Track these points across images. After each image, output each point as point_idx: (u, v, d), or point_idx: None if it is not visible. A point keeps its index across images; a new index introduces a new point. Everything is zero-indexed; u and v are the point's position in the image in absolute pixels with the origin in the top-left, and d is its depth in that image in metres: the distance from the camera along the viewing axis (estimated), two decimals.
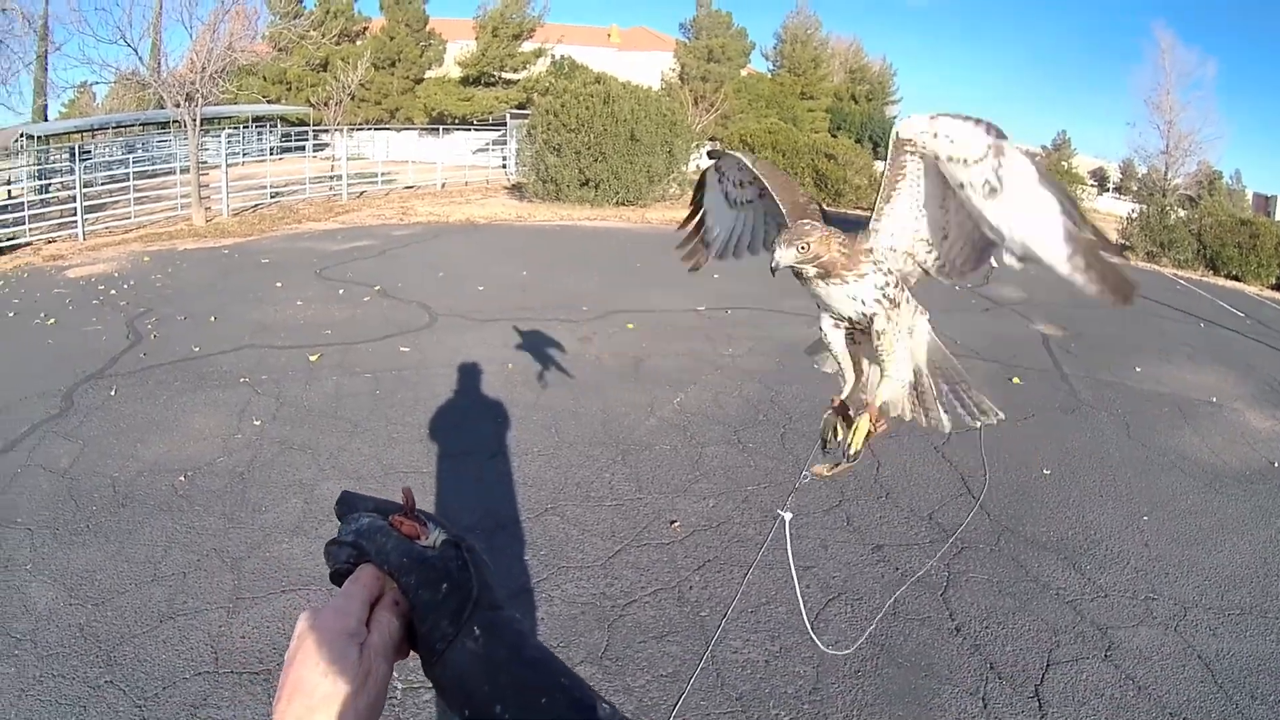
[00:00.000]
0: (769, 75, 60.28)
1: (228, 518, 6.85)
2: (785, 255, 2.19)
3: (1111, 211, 40.97)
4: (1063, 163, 53.07)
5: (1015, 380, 11.91)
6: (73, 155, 24.06)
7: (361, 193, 26.93)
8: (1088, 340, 14.67)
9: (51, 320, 11.74)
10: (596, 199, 28.83)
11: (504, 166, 35.07)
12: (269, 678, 5.16)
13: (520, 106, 44.08)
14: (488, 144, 42.51)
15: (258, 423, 8.63)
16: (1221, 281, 26.15)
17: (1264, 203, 51.38)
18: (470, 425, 9.42)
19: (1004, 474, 8.40)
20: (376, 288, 14.78)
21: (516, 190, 30.60)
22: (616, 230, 24.65)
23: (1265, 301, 22.89)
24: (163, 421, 8.42)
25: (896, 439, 9.10)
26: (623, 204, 29.19)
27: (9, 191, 18.68)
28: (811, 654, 5.67)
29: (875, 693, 5.31)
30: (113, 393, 9.01)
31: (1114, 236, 31.60)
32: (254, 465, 7.75)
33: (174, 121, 23.68)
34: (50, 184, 20.46)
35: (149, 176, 22.74)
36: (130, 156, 24.61)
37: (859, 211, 35.55)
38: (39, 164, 22.66)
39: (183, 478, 7.34)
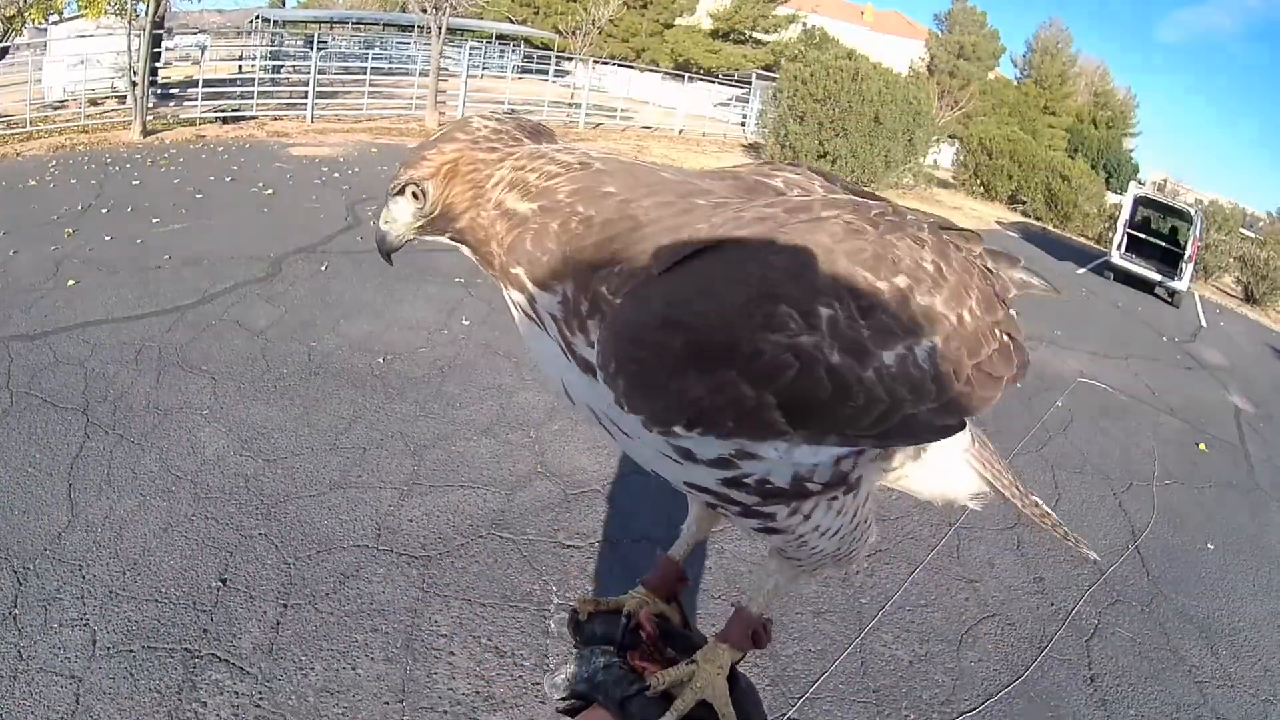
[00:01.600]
0: (1014, 83, 59.65)
1: (420, 406, 6.80)
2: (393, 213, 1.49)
3: None
4: None
5: (1201, 447, 11.40)
6: (309, 42, 24.59)
7: (598, 124, 26.95)
8: (1278, 423, 14.00)
9: (270, 191, 11.97)
10: (831, 172, 28.20)
11: (743, 124, 34.94)
12: (427, 564, 5.09)
13: (766, 68, 44.26)
14: (730, 99, 42.44)
15: (466, 322, 8.60)
16: None
17: None
18: None
19: (1171, 537, 8.05)
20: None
21: (753, 150, 30.43)
22: None
23: None
24: (371, 304, 8.44)
25: (1080, 474, 8.88)
26: (856, 183, 28.45)
27: (240, 67, 19.08)
28: (954, 665, 5.57)
29: (1002, 717, 5.18)
30: (323, 268, 9.08)
31: None
32: (456, 362, 7.70)
33: (417, 26, 24.08)
34: (282, 65, 20.83)
35: (384, 74, 23.02)
36: (369, 52, 25.00)
37: (1083, 239, 34.98)
38: (274, 46, 23.18)
39: (382, 360, 7.33)
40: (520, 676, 4.45)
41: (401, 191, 1.47)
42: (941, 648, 5.60)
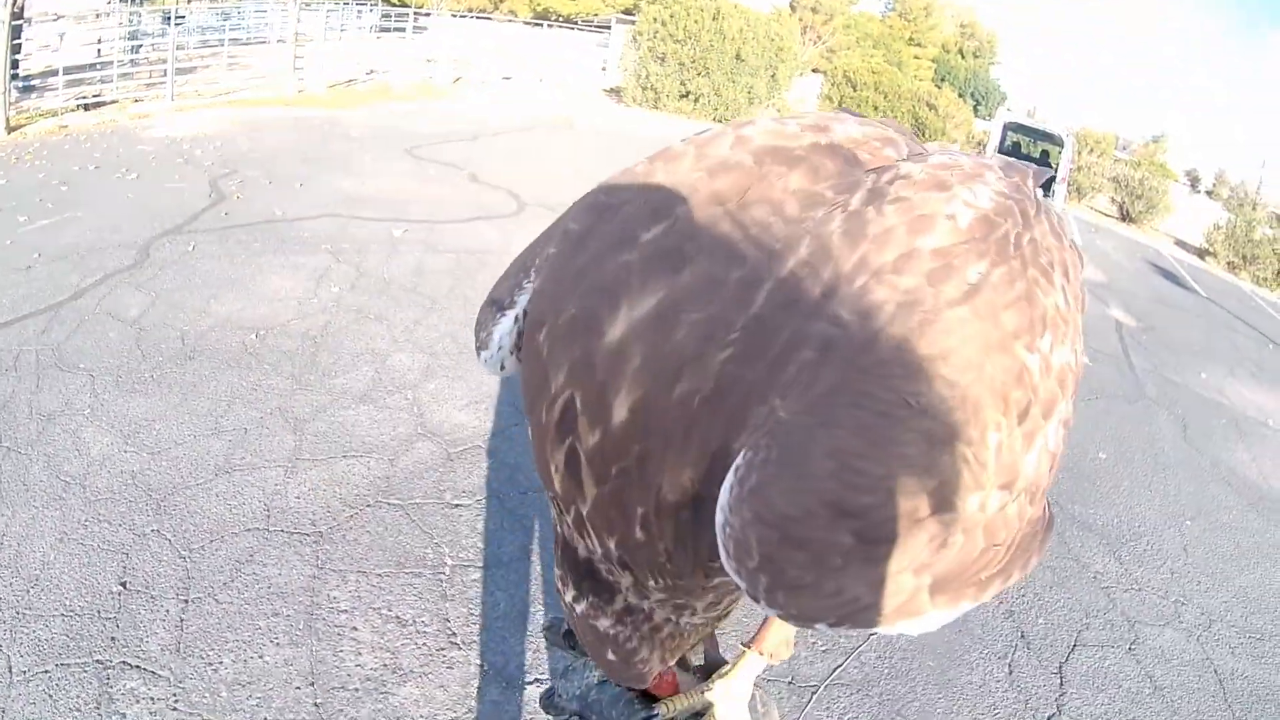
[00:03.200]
0: (879, 17, 59.88)
1: (295, 379, 6.83)
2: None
3: (1200, 214, 40.51)
4: (1158, 156, 52.84)
5: (1085, 361, 11.69)
6: (166, 18, 24.14)
7: (458, 79, 26.74)
8: (1159, 336, 14.66)
9: (134, 175, 11.67)
10: (695, 111, 28.57)
11: (604, 69, 34.93)
12: (319, 540, 5.14)
13: (627, 12, 43.60)
14: (590, 45, 42.32)
15: (335, 289, 8.59)
16: None
17: None
18: None
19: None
20: (466, 171, 14.64)
21: (615, 94, 30.41)
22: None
23: None
24: (239, 280, 8.38)
25: None
26: (720, 120, 28.24)
27: (99, 51, 18.75)
28: None
29: (908, 639, 5.33)
30: (191, 248, 8.96)
31: (1199, 240, 31.49)
32: (328, 330, 7.71)
33: None
34: (140, 45, 20.46)
35: (243, 44, 22.76)
36: (225, 24, 24.75)
37: None
38: (131, 25, 22.76)
39: (254, 336, 7.31)
40: (425, 644, 4.54)
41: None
42: None
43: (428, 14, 36.81)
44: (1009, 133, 27.84)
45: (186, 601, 4.48)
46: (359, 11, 39.88)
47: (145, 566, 4.66)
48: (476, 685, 4.41)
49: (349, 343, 7.56)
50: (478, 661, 4.54)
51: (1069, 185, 26.51)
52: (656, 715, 1.44)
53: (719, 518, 1.01)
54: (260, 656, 4.25)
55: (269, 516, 5.25)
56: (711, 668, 1.56)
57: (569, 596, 1.35)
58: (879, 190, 1.17)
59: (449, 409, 6.85)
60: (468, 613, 4.84)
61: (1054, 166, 25.27)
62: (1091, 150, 38.16)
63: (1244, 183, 52.62)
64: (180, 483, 5.39)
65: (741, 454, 1.00)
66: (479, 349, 1.45)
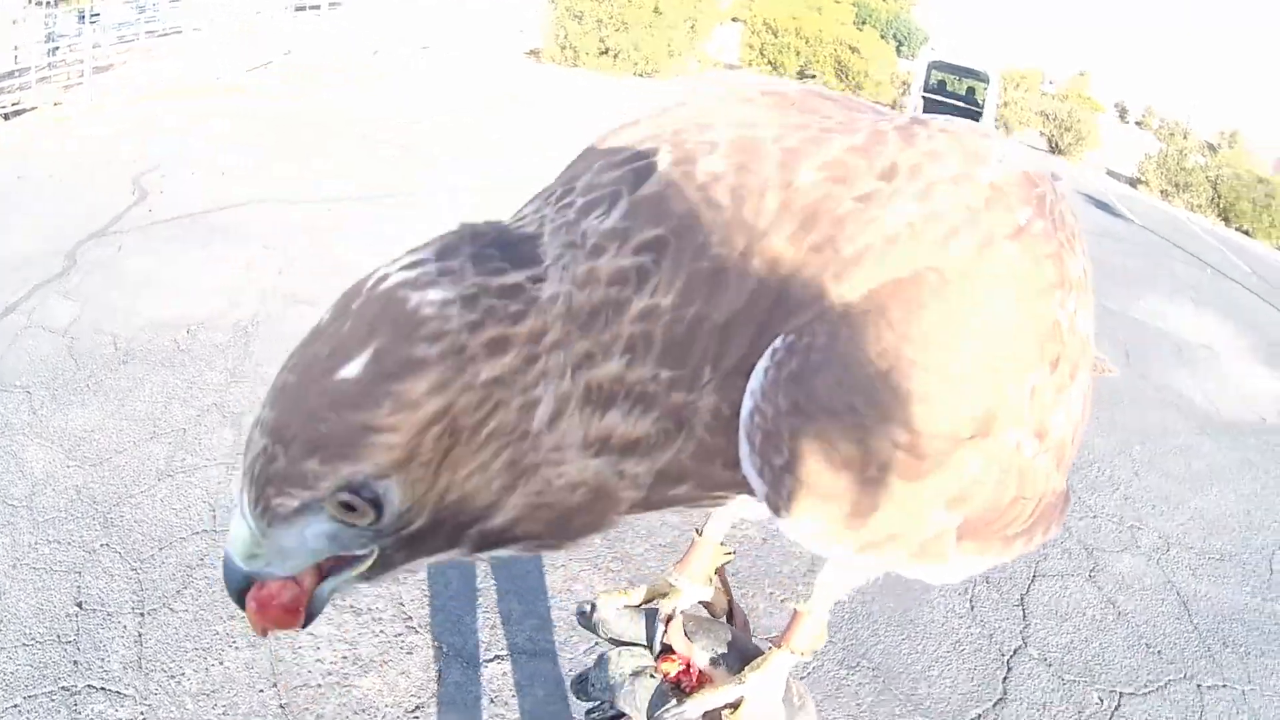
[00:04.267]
0: None
1: (230, 372, 6.82)
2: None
3: (1131, 144, 41.10)
4: (1084, 90, 53.33)
5: None
6: (81, 17, 23.78)
7: (375, 52, 26.27)
8: (1095, 265, 14.47)
9: (57, 181, 11.41)
10: (614, 68, 28.34)
11: (522, 31, 34.74)
12: None
13: None
14: (509, 7, 41.91)
15: (266, 278, 8.55)
16: (1232, 234, 26.39)
17: None
18: None
19: None
20: (396, 145, 14.49)
21: (533, 55, 30.18)
22: (635, 100, 23.83)
23: (1275, 263, 23.01)
24: (168, 277, 8.30)
25: None
26: (640, 75, 28.67)
27: (15, 58, 18.47)
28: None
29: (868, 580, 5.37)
30: (117, 249, 8.86)
31: (1130, 169, 32.01)
32: (259, 320, 7.69)
33: None
34: (58, 47, 20.19)
35: (161, 36, 22.50)
36: (141, 17, 24.54)
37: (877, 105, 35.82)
38: (48, 28, 22.44)
39: (185, 333, 7.27)
40: (382, 632, 4.61)
41: (300, 509, 0.95)
42: None
43: None
44: (934, 71, 28.31)
45: (143, 615, 4.50)
46: None
47: (99, 584, 4.67)
48: (437, 669, 4.48)
49: (281, 329, 7.53)
50: (436, 644, 4.61)
51: (996, 121, 26.83)
52: (687, 708, 1.39)
53: (747, 403, 0.94)
54: (221, 663, 4.29)
55: (214, 516, 5.27)
56: (746, 659, 1.47)
57: (430, 252, 1.04)
58: (922, 120, 1.17)
59: None
60: (422, 596, 4.91)
61: (980, 103, 25.67)
62: (1018, 86, 38.72)
63: (1174, 115, 53.46)
64: (125, 492, 5.39)
65: (782, 336, 0.94)
66: None
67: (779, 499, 0.93)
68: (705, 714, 1.39)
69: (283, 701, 4.15)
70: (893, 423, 0.91)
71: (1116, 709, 5.24)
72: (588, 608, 1.55)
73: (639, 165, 1.04)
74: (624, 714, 1.45)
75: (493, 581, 5.10)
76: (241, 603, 1.07)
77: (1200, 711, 5.35)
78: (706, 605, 1.66)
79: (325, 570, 1.06)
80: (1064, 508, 1.29)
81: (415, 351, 0.90)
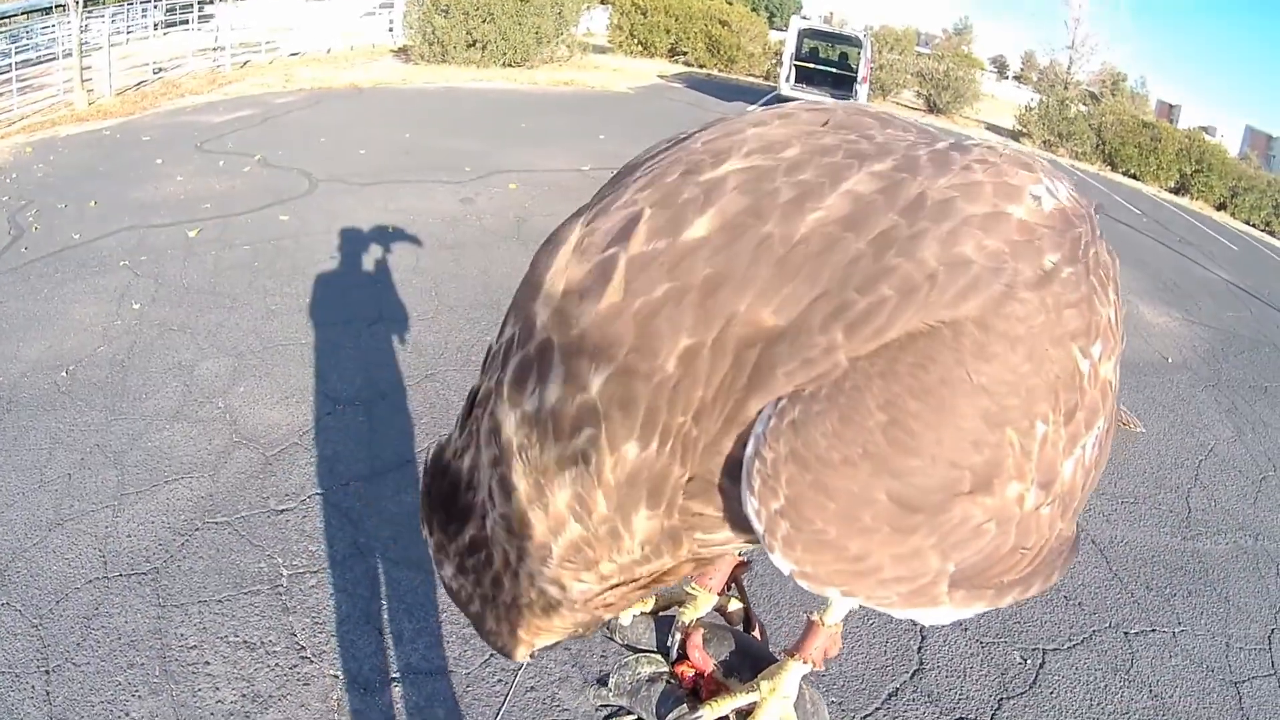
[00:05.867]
0: None
1: (110, 410, 6.84)
2: None
3: (1011, 99, 41.56)
4: (962, 48, 53.54)
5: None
6: None
7: (245, 62, 25.79)
8: None
9: None
10: (483, 60, 28.25)
11: (391, 30, 34.32)
12: (157, 577, 5.24)
13: None
14: (375, 8, 41.30)
15: (137, 306, 8.56)
16: (1118, 178, 26.99)
17: (1167, 110, 52.15)
18: (349, 292, 9.44)
19: None
20: (257, 157, 14.39)
21: (403, 54, 29.74)
22: (502, 91, 24.35)
23: (1163, 203, 23.72)
24: (44, 316, 8.28)
25: None
26: (509, 65, 28.65)
27: None
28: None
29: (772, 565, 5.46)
30: None
31: (1011, 123, 32.48)
32: (134, 351, 7.71)
33: (57, 6, 22.96)
34: None
35: (35, 64, 22.01)
36: (13, 47, 23.97)
37: (751, 78, 36.01)
38: None
39: (64, 373, 7.29)
40: (277, 665, 4.71)
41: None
42: None
43: (211, 1, 35.56)
44: (805, 40, 28.57)
45: (48, 673, 4.56)
46: (144, 10, 38.55)
47: (3, 645, 4.71)
48: (335, 697, 4.58)
49: (155, 359, 7.59)
50: (332, 673, 4.71)
51: (870, 84, 27.08)
52: (701, 714, 1.43)
53: (750, 446, 0.96)
54: (127, 714, 4.37)
55: (106, 563, 5.32)
56: (760, 666, 1.49)
57: (425, 531, 1.23)
58: (962, 145, 1.16)
59: (261, 409, 6.98)
60: (312, 623, 5.01)
61: (854, 68, 25.95)
62: (892, 48, 38.75)
63: (1054, 64, 53.85)
64: (19, 547, 5.40)
65: (787, 376, 0.96)
66: None
67: (774, 541, 0.97)
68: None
69: None
70: (888, 475, 0.94)
71: (1041, 667, 5.38)
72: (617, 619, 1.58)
73: (586, 290, 1.03)
74: (640, 719, 1.51)
75: (382, 602, 5.21)
76: None
77: (1130, 660, 5.53)
78: (724, 613, 1.71)
79: None
80: (1069, 554, 1.29)
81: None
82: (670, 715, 1.46)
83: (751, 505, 0.97)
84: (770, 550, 0.99)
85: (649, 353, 0.98)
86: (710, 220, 1.02)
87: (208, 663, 4.68)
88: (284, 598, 5.16)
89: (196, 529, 5.65)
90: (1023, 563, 1.13)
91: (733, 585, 1.71)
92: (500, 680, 4.78)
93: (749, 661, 1.51)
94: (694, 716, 1.43)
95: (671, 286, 0.99)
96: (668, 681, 1.51)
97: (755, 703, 1.43)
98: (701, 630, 1.55)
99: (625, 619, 1.57)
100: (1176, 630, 5.84)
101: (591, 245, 1.08)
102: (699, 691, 1.50)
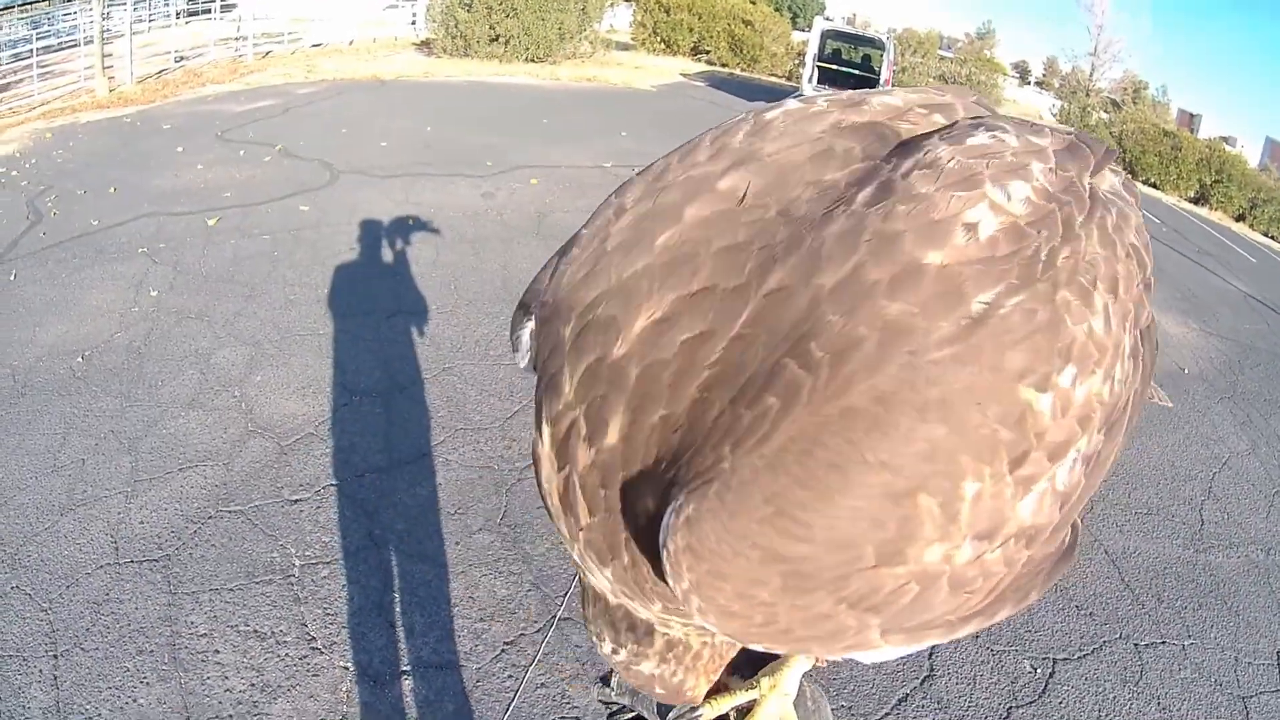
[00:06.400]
0: None
1: (125, 396, 6.84)
2: None
3: (1033, 105, 41.59)
4: (985, 52, 53.58)
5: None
6: None
7: (268, 53, 26.01)
8: None
9: None
10: (506, 55, 28.15)
11: (414, 23, 34.29)
12: (169, 564, 5.23)
13: None
14: (398, 1, 41.22)
15: (154, 293, 8.56)
16: (1138, 187, 27.13)
17: (1188, 119, 51.99)
18: (368, 284, 9.43)
19: None
20: (278, 147, 14.39)
21: (425, 47, 29.82)
22: (525, 86, 24.31)
23: (1182, 213, 23.71)
24: (61, 301, 8.28)
25: None
26: (532, 60, 28.60)
27: None
28: None
29: None
30: (12, 277, 8.80)
31: None
32: (150, 338, 7.72)
33: None
34: None
35: (56, 50, 21.98)
36: (35, 33, 23.95)
37: (774, 79, 35.94)
38: None
39: (80, 359, 7.28)
40: (286, 655, 4.70)
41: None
42: None
43: None
44: (828, 41, 28.46)
45: (56, 657, 4.56)
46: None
47: (12, 628, 4.71)
48: (345, 689, 4.57)
49: (172, 347, 7.59)
50: (342, 664, 4.71)
51: (893, 87, 27.17)
52: (701, 713, 1.43)
53: (660, 537, 0.99)
54: (135, 700, 4.36)
55: (117, 549, 5.31)
56: (759, 663, 1.47)
57: (606, 649, 1.33)
58: (890, 184, 1.06)
59: (277, 399, 6.96)
60: (324, 614, 5.01)
61: (876, 70, 25.92)
62: (915, 51, 38.77)
63: (1075, 70, 53.90)
64: (29, 531, 5.41)
65: (686, 486, 0.98)
66: (513, 350, 1.33)
67: (693, 611, 1.00)
68: (719, 718, 1.45)
69: None
70: (777, 562, 0.94)
71: (1051, 676, 5.35)
72: None
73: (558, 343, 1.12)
74: (643, 717, 1.55)
75: (394, 595, 5.20)
76: None
77: (1140, 671, 5.49)
78: None
79: None
80: (1058, 565, 1.23)
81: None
82: (671, 714, 1.46)
83: (672, 586, 1.00)
84: (693, 617, 1.02)
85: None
86: (637, 331, 1.06)
87: (217, 651, 4.67)
88: (295, 588, 5.15)
89: (209, 517, 5.64)
90: (971, 601, 1.09)
91: None
92: (511, 676, 4.77)
93: (749, 658, 1.49)
94: (694, 714, 1.43)
95: (609, 388, 1.06)
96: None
97: (755, 700, 1.43)
98: None
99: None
100: (1186, 643, 5.80)
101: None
102: None
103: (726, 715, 1.45)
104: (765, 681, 1.43)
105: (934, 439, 0.94)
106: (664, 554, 0.98)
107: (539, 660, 4.84)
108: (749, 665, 1.48)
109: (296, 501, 5.85)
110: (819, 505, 0.93)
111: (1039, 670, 5.37)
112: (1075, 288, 1.03)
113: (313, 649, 4.77)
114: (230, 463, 6.18)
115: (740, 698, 1.43)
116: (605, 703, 1.61)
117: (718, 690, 1.46)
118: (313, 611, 5.00)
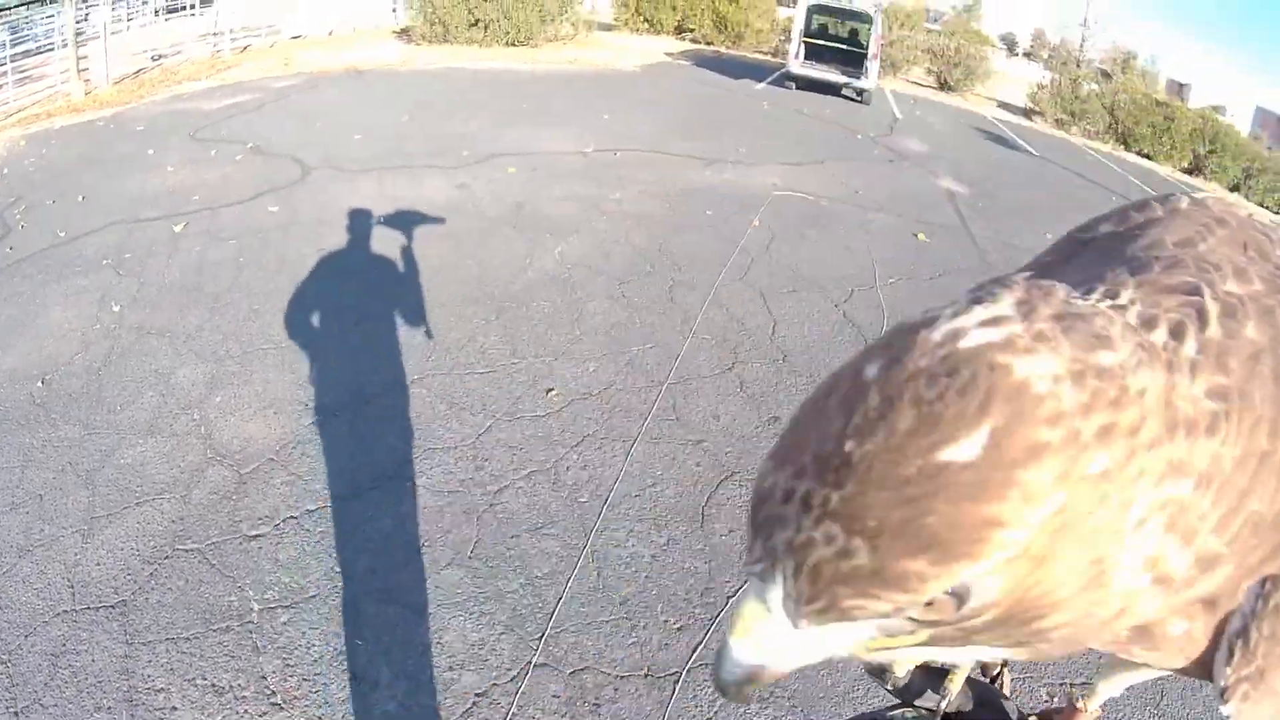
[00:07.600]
0: None
1: (83, 424, 6.65)
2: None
3: (1022, 76, 41.54)
4: (971, 24, 53.54)
5: (921, 236, 12.11)
6: None
7: (246, 47, 25.68)
8: (996, 202, 15.04)
9: None
10: (486, 40, 28.11)
11: (394, 10, 34.25)
12: (124, 610, 5.06)
13: None
14: None
15: (117, 308, 8.35)
16: (1131, 158, 27.09)
17: (1177, 89, 52.07)
18: (336, 289, 9.24)
19: None
20: (250, 144, 14.18)
21: (404, 34, 29.74)
22: (504, 71, 24.26)
23: (1176, 184, 23.75)
24: (24, 321, 8.05)
25: (794, 293, 9.29)
26: (512, 44, 28.57)
27: None
28: (703, 546, 5.62)
29: None
30: None
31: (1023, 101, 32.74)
32: (110, 358, 7.52)
33: None
34: None
35: (33, 55, 21.82)
36: (10, 39, 23.75)
37: (759, 55, 36.05)
38: None
39: (40, 384, 7.10)
40: (245, 711, 4.51)
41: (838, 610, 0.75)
42: (684, 529, 5.77)
43: None
44: (814, 15, 28.60)
45: (16, 714, 4.41)
46: None
47: None
48: None
49: (132, 366, 7.40)
50: None
51: (881, 60, 27.08)
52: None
53: (1236, 621, 0.88)
54: None
55: (74, 594, 5.14)
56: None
57: None
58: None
59: (237, 422, 6.77)
60: (283, 665, 4.82)
61: (864, 44, 25.97)
62: (902, 25, 38.84)
63: (1064, 41, 53.96)
64: None
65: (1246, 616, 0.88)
66: None
67: (1234, 697, 0.89)
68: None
69: None
70: None
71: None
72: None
73: (1195, 303, 0.90)
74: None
75: (358, 642, 5.02)
76: (741, 697, 0.91)
77: (1160, 694, 5.36)
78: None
79: None
80: None
81: (1037, 435, 0.71)
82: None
83: (1221, 672, 0.90)
84: (1224, 702, 0.91)
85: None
86: (1257, 327, 0.91)
87: (175, 708, 4.51)
88: (254, 636, 4.97)
89: (166, 557, 5.45)
90: None
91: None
92: None
93: (985, 714, 1.48)
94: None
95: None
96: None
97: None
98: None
99: (900, 670, 1.47)
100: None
101: None
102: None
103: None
104: None
105: None
106: (1238, 636, 0.88)
107: (512, 716, 4.65)
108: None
109: (255, 537, 5.66)
110: None
111: (1055, 699, 5.13)
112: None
113: (272, 704, 4.59)
114: (188, 495, 5.99)
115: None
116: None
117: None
118: (272, 662, 4.82)
